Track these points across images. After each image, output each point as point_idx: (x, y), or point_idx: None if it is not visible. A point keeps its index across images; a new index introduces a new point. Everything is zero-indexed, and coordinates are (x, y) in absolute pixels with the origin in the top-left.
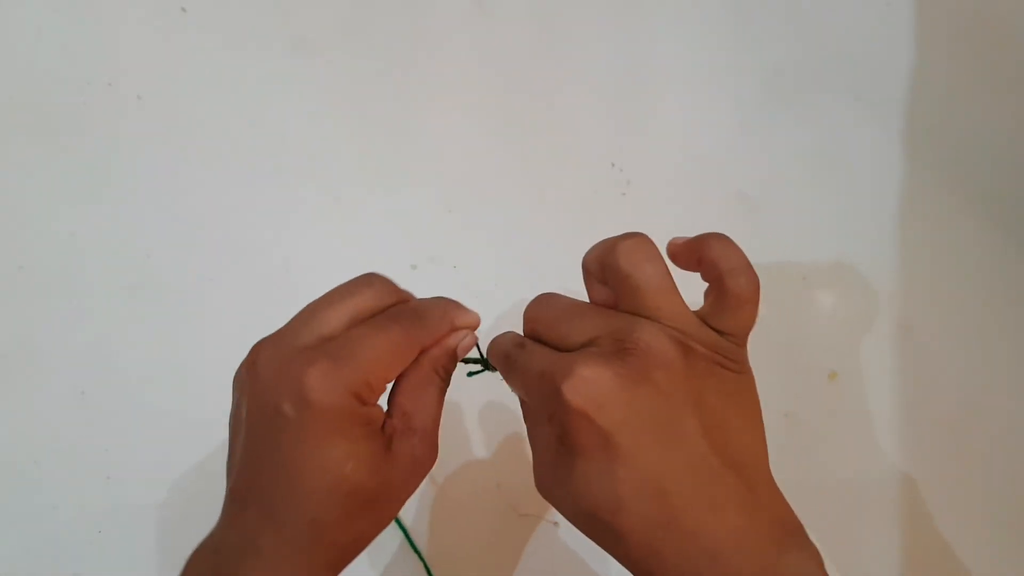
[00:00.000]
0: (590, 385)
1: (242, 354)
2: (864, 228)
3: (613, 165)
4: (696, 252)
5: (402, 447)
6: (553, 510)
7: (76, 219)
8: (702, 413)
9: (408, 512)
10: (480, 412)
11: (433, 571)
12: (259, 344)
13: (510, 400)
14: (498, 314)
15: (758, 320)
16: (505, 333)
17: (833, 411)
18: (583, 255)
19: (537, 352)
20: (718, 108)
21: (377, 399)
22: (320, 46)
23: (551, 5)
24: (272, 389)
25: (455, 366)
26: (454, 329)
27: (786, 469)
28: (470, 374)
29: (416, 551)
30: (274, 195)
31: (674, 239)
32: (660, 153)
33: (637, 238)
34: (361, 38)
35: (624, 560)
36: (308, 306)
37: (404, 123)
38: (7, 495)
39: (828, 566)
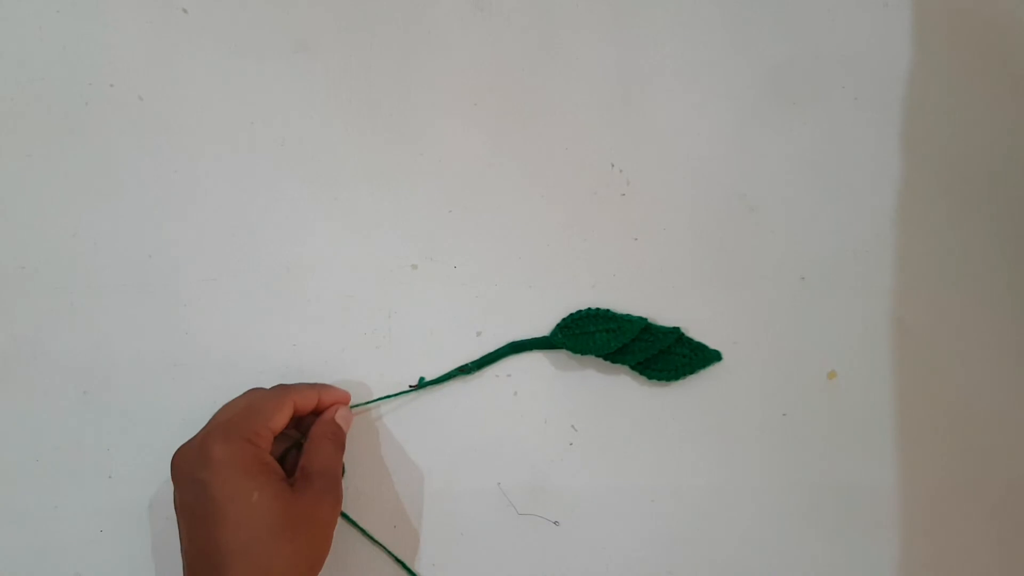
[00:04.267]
0: None
1: (244, 354)
2: (863, 228)
3: (613, 165)
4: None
5: (302, 487)
6: (553, 510)
7: (78, 220)
8: None
9: (409, 511)
10: (479, 412)
11: (433, 571)
12: (173, 457)
13: (510, 401)
14: (498, 314)
15: (758, 321)
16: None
17: (832, 411)
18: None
19: None
20: (718, 108)
21: (267, 446)
22: (321, 47)
23: (551, 5)
24: (188, 467)
25: (343, 432)
26: (320, 399)
27: (785, 469)
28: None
29: (403, 565)
30: (275, 195)
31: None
32: (660, 153)
33: None
34: (361, 38)
35: None
36: None
37: (404, 123)
38: (8, 494)
39: (826, 566)
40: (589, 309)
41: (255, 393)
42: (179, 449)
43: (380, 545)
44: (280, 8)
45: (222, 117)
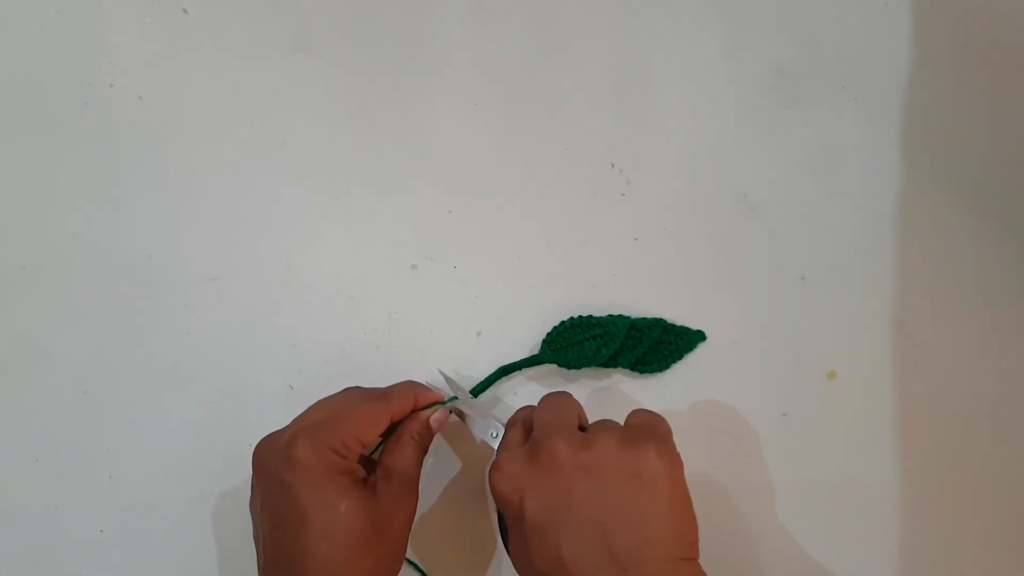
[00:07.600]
0: (503, 473)
1: (243, 353)
2: (863, 227)
3: (613, 165)
4: None
5: (383, 490)
6: None
7: (78, 220)
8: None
9: None
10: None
11: (434, 571)
12: (257, 445)
13: (510, 401)
14: (498, 314)
15: (758, 320)
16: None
17: (832, 411)
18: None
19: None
20: (718, 108)
21: (355, 456)
22: (321, 47)
23: (551, 5)
24: (272, 465)
25: (431, 435)
26: (417, 404)
27: (784, 469)
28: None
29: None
30: (275, 195)
31: None
32: (660, 153)
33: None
34: (362, 39)
35: None
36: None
37: (404, 123)
38: (8, 495)
39: (826, 565)
40: (572, 318)
41: (353, 395)
42: (264, 440)
43: None
44: (280, 8)
45: (222, 117)
